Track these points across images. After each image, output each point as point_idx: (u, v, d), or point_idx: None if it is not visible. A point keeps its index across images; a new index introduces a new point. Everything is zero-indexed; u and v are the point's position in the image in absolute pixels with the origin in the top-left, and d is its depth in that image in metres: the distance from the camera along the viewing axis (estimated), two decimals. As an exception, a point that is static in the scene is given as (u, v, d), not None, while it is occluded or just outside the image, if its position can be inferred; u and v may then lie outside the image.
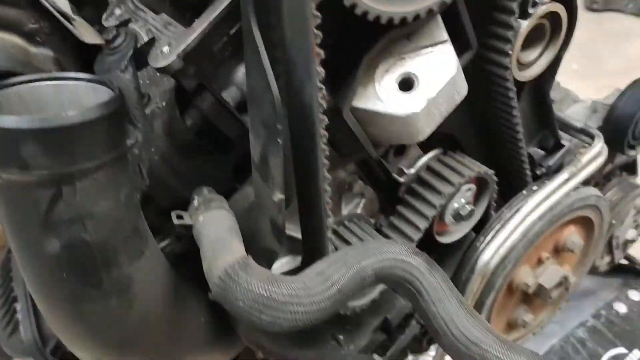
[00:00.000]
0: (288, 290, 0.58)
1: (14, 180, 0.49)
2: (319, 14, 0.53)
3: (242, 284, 0.58)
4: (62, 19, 0.71)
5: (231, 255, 0.60)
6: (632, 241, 1.25)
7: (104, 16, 0.69)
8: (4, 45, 0.68)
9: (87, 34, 0.74)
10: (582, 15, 3.43)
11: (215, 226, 0.64)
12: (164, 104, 0.71)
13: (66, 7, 0.73)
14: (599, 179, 1.12)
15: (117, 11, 0.68)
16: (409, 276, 0.66)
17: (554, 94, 1.08)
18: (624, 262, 1.51)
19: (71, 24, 0.72)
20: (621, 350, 1.40)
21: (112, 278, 0.58)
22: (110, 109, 0.51)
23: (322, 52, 0.55)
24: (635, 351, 1.40)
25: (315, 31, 0.54)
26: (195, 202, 0.67)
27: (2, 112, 0.53)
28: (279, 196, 0.62)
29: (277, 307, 0.57)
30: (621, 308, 1.46)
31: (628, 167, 1.27)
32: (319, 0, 0.52)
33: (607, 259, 1.25)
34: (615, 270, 1.50)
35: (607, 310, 1.46)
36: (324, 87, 0.58)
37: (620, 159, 1.19)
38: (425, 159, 0.84)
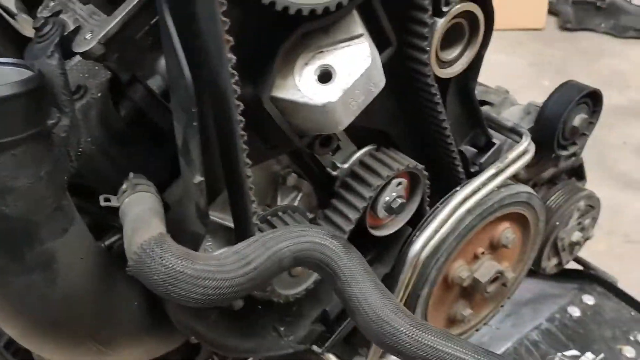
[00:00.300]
0: (201, 266, 0.62)
1: None
2: (224, 1, 0.57)
3: (156, 259, 0.61)
4: (4, 13, 0.75)
5: (148, 232, 0.63)
6: (578, 244, 1.28)
7: (39, 9, 0.73)
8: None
9: (28, 28, 0.78)
10: (556, 34, 3.53)
11: (137, 206, 0.67)
12: (99, 95, 0.74)
13: (9, 2, 0.77)
14: (537, 180, 1.16)
15: (51, 3, 0.72)
16: (326, 258, 0.69)
17: (493, 98, 1.13)
18: (579, 267, 1.55)
19: (13, 18, 0.77)
20: (574, 352, 1.42)
21: (34, 252, 0.61)
22: (27, 87, 0.55)
23: (231, 39, 0.59)
24: (588, 354, 1.42)
25: (223, 18, 0.58)
26: (124, 186, 0.71)
27: None
28: (198, 178, 0.65)
29: (188, 281, 0.60)
30: (575, 312, 1.49)
31: (576, 172, 1.31)
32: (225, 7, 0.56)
33: (554, 260, 1.29)
34: (571, 275, 1.53)
35: (561, 314, 1.49)
36: (236, 73, 0.61)
37: (565, 163, 1.23)
38: (358, 154, 0.88)
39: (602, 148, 2.34)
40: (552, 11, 3.51)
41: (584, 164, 1.30)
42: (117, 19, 0.62)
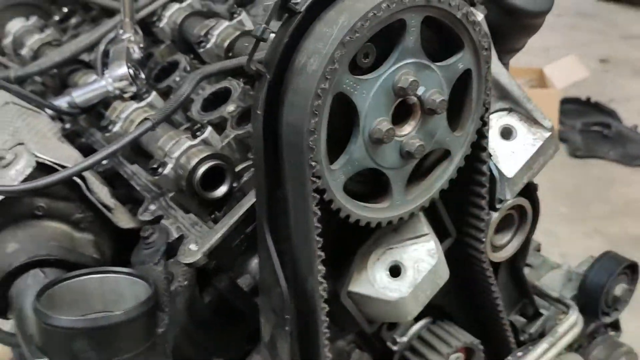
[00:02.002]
0: None
1: (63, 369, 0.58)
2: (319, 225, 0.65)
3: None
4: (103, 209, 0.84)
5: None
6: (622, 398, 1.28)
7: (140, 210, 0.82)
8: (55, 233, 0.81)
9: (123, 219, 0.87)
10: (567, 160, 3.61)
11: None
12: (186, 283, 0.81)
13: (107, 197, 0.87)
14: (582, 341, 1.19)
15: (152, 207, 0.81)
16: None
17: (532, 260, 1.20)
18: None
19: (110, 212, 0.85)
20: None
21: None
22: (149, 306, 0.61)
23: (322, 254, 0.67)
24: None
25: (317, 238, 0.66)
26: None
27: (55, 305, 0.64)
28: (286, 374, 0.71)
29: None
30: None
31: (612, 324, 1.34)
32: (319, 215, 0.65)
33: (599, 416, 1.28)
34: None
35: None
36: (324, 281, 0.68)
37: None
38: (416, 328, 0.93)
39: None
40: (561, 138, 3.66)
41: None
42: (220, 234, 0.70)
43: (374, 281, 0.77)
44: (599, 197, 3.17)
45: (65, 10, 1.38)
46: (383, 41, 0.64)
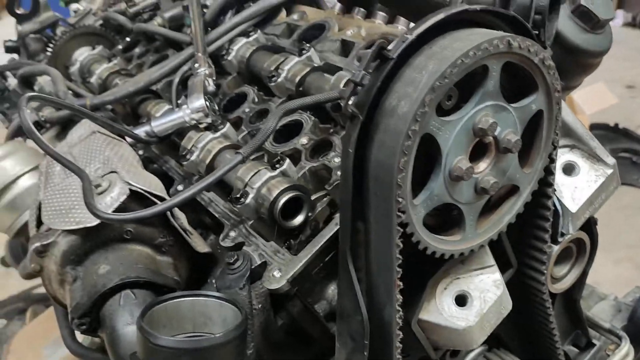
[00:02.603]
0: None
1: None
2: (400, 256, 0.69)
3: None
4: (184, 234, 0.89)
5: None
6: None
7: (221, 236, 0.86)
8: (140, 256, 0.86)
9: (199, 244, 0.91)
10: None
11: None
12: (260, 306, 0.85)
13: (185, 223, 0.91)
14: (629, 371, 1.20)
15: (232, 234, 0.85)
16: None
17: (581, 291, 1.22)
18: None
19: (189, 237, 0.90)
20: None
21: None
22: (243, 329, 0.66)
23: (401, 284, 0.71)
24: None
25: (398, 269, 0.70)
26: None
27: (152, 325, 0.68)
28: (362, 399, 0.74)
29: None
30: None
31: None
32: (401, 247, 0.69)
33: None
34: None
35: None
36: (401, 310, 0.72)
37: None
38: (472, 355, 0.96)
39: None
40: (588, 165, 3.66)
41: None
42: (303, 262, 0.75)
43: (442, 310, 0.80)
44: (629, 225, 3.16)
45: (129, 40, 1.45)
46: (464, 83, 0.69)
